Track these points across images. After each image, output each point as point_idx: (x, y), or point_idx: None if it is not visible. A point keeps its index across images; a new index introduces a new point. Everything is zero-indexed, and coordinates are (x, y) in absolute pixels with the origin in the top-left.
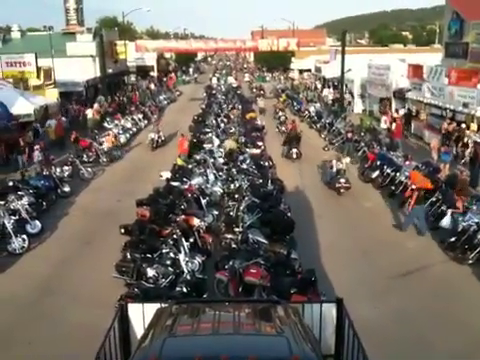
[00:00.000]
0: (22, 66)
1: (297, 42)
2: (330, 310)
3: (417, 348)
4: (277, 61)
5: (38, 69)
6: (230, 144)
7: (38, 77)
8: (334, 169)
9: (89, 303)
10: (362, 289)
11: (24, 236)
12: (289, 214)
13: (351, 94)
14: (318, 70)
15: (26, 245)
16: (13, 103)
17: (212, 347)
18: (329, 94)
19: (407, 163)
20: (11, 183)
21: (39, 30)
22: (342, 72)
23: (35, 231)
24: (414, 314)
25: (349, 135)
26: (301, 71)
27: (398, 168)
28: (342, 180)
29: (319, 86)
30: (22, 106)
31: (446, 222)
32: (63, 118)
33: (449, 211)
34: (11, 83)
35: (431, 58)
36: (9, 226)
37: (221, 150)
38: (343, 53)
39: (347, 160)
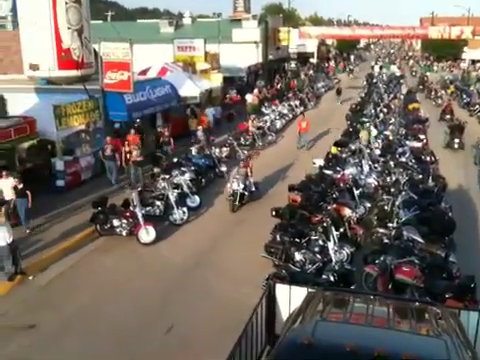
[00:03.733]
0: (191, 51)
1: (472, 30)
2: None
3: None
4: (446, 50)
5: (205, 54)
6: (364, 134)
7: (205, 62)
8: None
9: (237, 278)
10: None
11: (184, 209)
12: (450, 214)
13: None
14: None
15: (185, 217)
16: (181, 85)
17: (365, 338)
18: None
19: None
20: (176, 160)
21: (208, 17)
22: None
23: (194, 205)
24: None
25: None
26: (474, 61)
27: None
28: None
29: None
30: (189, 89)
31: None
32: (212, 110)
33: None
34: (181, 67)
35: None
36: (172, 198)
37: (378, 141)
38: None
39: None
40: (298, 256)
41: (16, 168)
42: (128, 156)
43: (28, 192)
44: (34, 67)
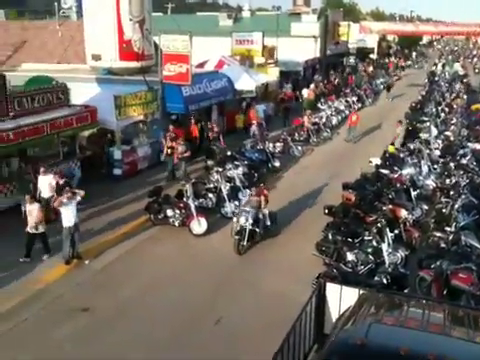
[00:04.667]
0: (249, 44)
1: None
2: None
3: None
4: None
5: (263, 47)
6: (399, 130)
7: (263, 55)
8: None
9: (286, 274)
10: None
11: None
12: None
13: None
14: None
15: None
16: (238, 79)
17: (420, 343)
18: None
19: None
20: (229, 153)
21: (267, 10)
22: None
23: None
24: None
25: None
26: None
27: None
28: None
29: None
30: (245, 82)
31: None
32: (263, 105)
33: None
34: (238, 60)
35: None
36: (225, 191)
37: (438, 141)
38: None
39: None
40: (350, 256)
41: (76, 155)
42: (168, 151)
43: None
44: (96, 57)
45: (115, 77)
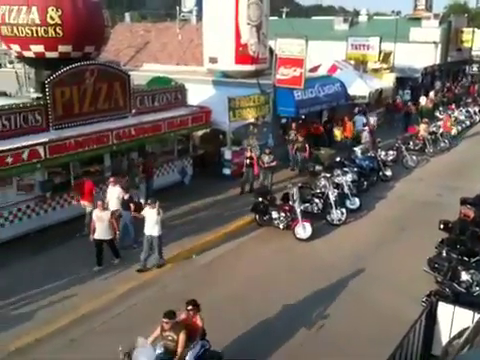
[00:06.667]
0: (365, 49)
1: None
2: None
3: None
4: None
5: (379, 53)
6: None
7: (378, 60)
8: None
9: (393, 289)
10: None
11: (343, 209)
12: None
13: None
14: None
15: (343, 218)
16: (351, 84)
17: None
18: None
19: None
20: (338, 159)
21: (386, 15)
22: None
23: (353, 207)
24: None
25: None
26: None
27: None
28: None
29: None
30: (359, 88)
31: None
32: (362, 118)
33: None
34: (352, 65)
35: None
36: (332, 198)
37: None
38: None
39: None
40: (465, 276)
41: (190, 153)
42: (247, 162)
43: (132, 205)
44: (213, 60)
45: (230, 80)
